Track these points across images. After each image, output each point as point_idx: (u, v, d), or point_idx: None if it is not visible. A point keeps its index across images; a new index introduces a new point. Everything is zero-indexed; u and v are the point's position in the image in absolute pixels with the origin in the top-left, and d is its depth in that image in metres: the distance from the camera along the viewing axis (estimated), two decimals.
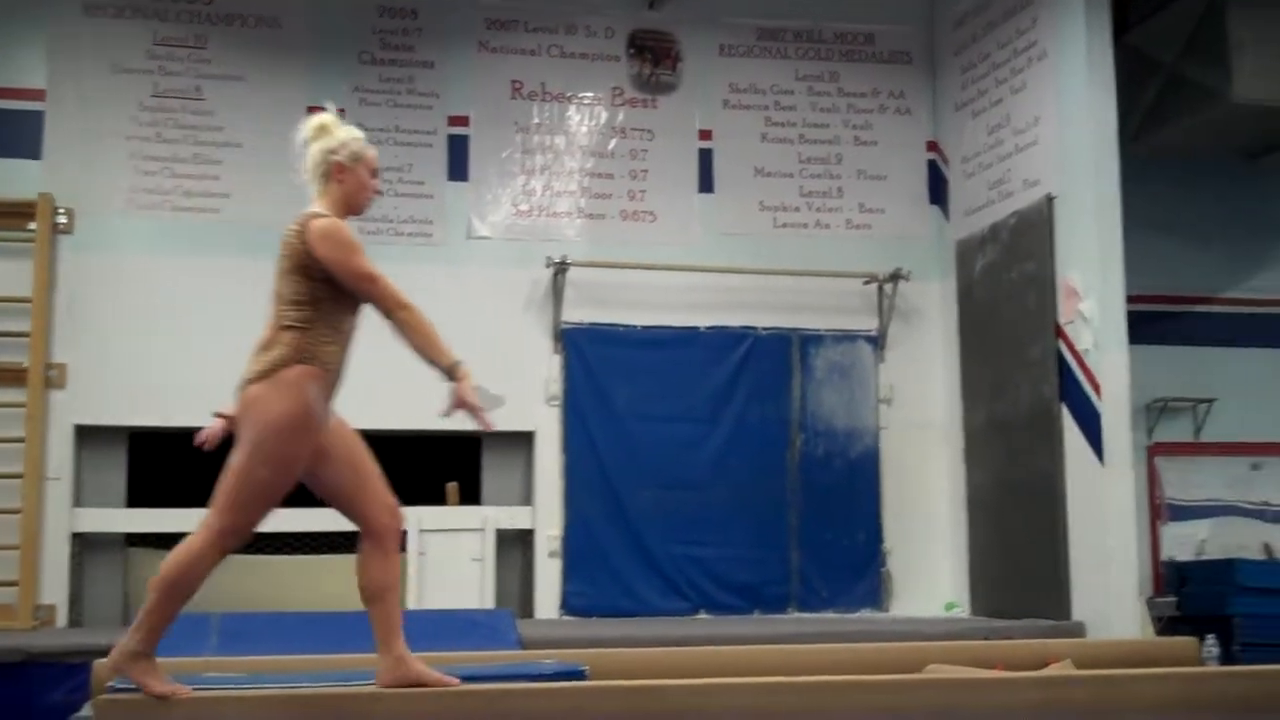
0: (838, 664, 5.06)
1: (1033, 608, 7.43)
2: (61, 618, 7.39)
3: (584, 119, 8.44)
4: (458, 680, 3.95)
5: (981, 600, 8.13)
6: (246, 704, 3.86)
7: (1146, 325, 8.00)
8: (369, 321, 7.99)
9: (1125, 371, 7.22)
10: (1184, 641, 5.98)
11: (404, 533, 7.75)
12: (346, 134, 4.26)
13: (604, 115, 8.46)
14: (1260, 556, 8.58)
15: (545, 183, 8.33)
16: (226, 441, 4.19)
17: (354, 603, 7.34)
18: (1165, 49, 8.11)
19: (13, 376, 7.44)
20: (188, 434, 7.71)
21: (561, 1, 8.46)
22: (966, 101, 8.49)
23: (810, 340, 8.43)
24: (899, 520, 8.44)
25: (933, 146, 8.82)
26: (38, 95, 7.77)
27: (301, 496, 7.72)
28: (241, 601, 7.13)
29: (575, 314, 8.15)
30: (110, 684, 3.97)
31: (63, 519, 7.49)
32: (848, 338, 8.50)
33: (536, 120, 8.35)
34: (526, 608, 7.95)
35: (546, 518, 8.03)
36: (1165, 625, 7.70)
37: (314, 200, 4.23)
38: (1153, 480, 8.86)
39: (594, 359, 8.20)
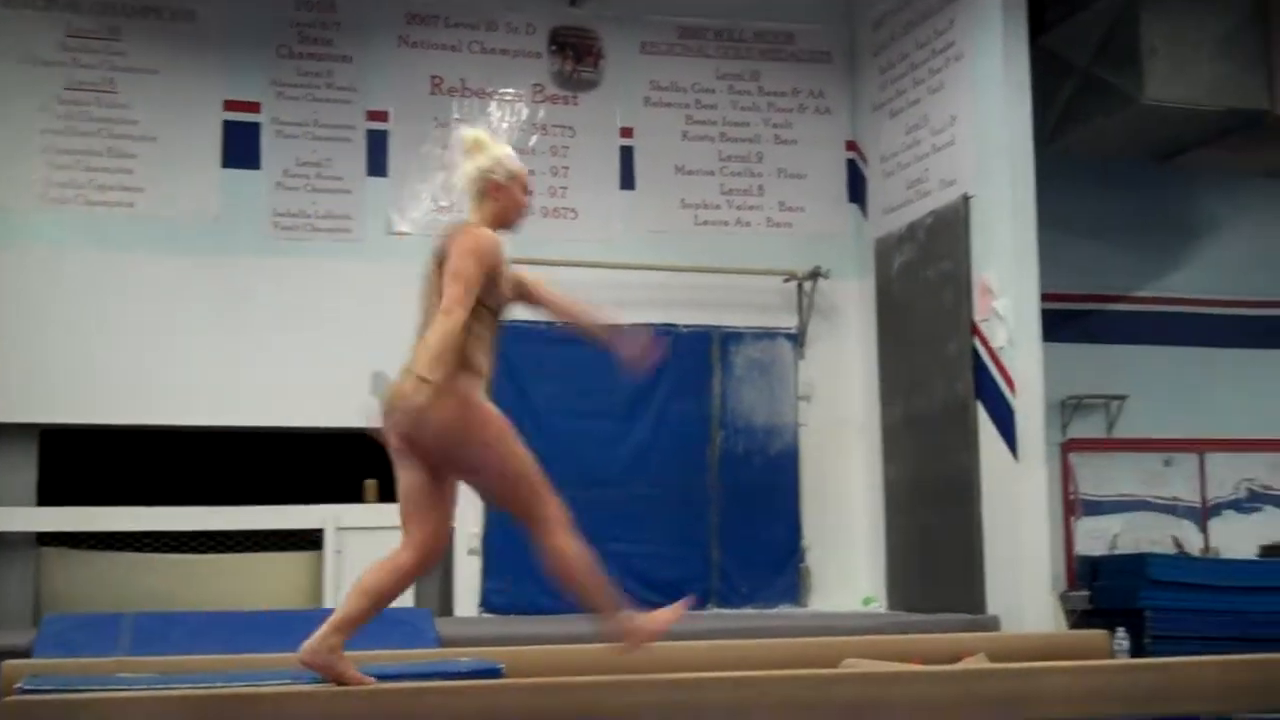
0: (756, 659, 5.08)
1: (948, 602, 7.52)
2: None
3: (505, 115, 8.41)
4: (373, 680, 3.93)
5: (898, 595, 8.21)
6: (158, 704, 3.80)
7: (1060, 323, 8.12)
8: (286, 322, 7.95)
9: (1039, 369, 7.33)
10: (1095, 635, 6.07)
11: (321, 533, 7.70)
12: (500, 151, 4.35)
13: (525, 112, 8.44)
14: (1171, 550, 8.73)
15: None
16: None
17: (267, 602, 7.32)
18: (1079, 52, 8.22)
19: None
20: (100, 431, 7.64)
21: None
22: (885, 101, 8.56)
23: (730, 337, 8.47)
24: (818, 516, 8.50)
25: (852, 146, 8.89)
26: None
27: (220, 496, 7.67)
28: (154, 601, 7.05)
29: None
30: (18, 685, 3.91)
31: None
32: (767, 335, 8.55)
33: (457, 116, 8.30)
34: (446, 606, 7.91)
35: (466, 515, 7.96)
36: (1078, 619, 7.80)
37: (470, 213, 4.35)
38: (1066, 476, 8.98)
39: (514, 356, 8.14)
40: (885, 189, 8.54)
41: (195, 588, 7.34)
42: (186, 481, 7.68)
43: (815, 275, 8.53)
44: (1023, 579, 7.13)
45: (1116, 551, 8.78)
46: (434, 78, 8.31)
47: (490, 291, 4.21)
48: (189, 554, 7.49)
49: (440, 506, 4.28)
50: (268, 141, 8.01)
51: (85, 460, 7.73)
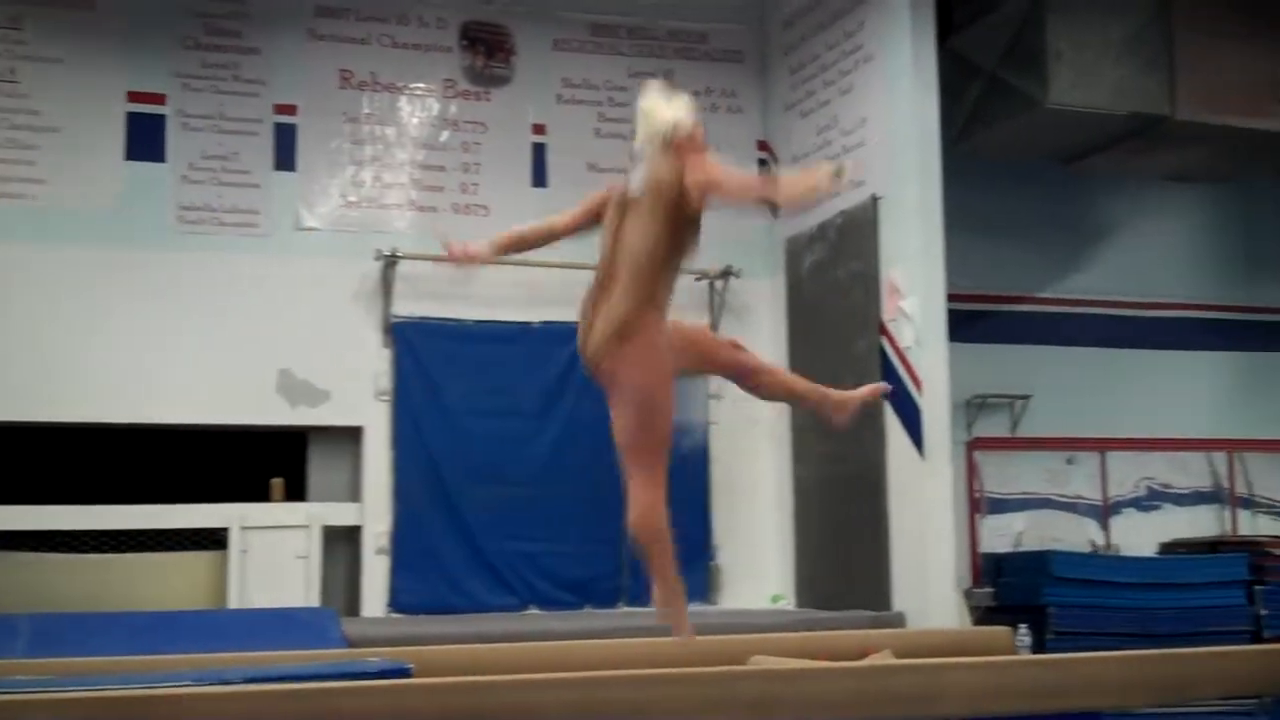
0: (664, 657, 5.08)
1: (856, 599, 7.58)
2: None
3: (415, 110, 8.35)
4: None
5: (807, 592, 8.28)
6: (55, 707, 3.72)
7: (966, 323, 8.23)
8: (191, 318, 7.81)
9: (945, 368, 7.42)
10: (999, 631, 6.14)
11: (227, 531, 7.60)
12: (686, 109, 4.52)
13: (436, 107, 8.38)
14: (1072, 548, 8.86)
15: (375, 174, 8.22)
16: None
17: (170, 602, 7.21)
18: (986, 55, 8.33)
19: None
20: (15, 429, 7.43)
21: None
22: (796, 102, 8.62)
23: None
24: (728, 514, 8.54)
25: (763, 146, 8.93)
26: None
27: (122, 494, 7.52)
28: (54, 602, 6.92)
29: (406, 308, 8.07)
30: None
31: None
32: None
33: (367, 110, 8.23)
34: (353, 606, 7.84)
35: (375, 514, 7.93)
36: (982, 615, 7.92)
37: (648, 163, 4.46)
38: (972, 474, 9.10)
39: (425, 353, 8.13)
40: None
41: (96, 588, 7.21)
42: (86, 480, 7.54)
43: (727, 274, 8.56)
44: (928, 576, 7.22)
45: (1020, 549, 8.92)
46: (343, 71, 8.23)
47: (691, 228, 4.39)
48: (90, 554, 7.36)
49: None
50: (173, 134, 7.88)
51: (4, 459, 7.56)
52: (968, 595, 7.94)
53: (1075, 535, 9.20)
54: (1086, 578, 8.00)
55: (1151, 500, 9.55)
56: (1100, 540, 9.27)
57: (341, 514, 7.91)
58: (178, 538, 7.53)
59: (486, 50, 8.53)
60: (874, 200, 7.71)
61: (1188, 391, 9.71)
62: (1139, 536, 9.15)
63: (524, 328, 8.26)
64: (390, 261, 7.94)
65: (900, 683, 4.34)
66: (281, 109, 8.09)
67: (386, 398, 8.02)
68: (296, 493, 7.95)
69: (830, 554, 8.06)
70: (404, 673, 4.28)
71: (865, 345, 7.70)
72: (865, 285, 7.75)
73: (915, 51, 7.56)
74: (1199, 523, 9.50)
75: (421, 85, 8.38)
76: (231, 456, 7.97)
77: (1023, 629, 7.00)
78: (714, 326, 8.59)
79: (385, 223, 8.17)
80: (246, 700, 3.76)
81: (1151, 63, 8.15)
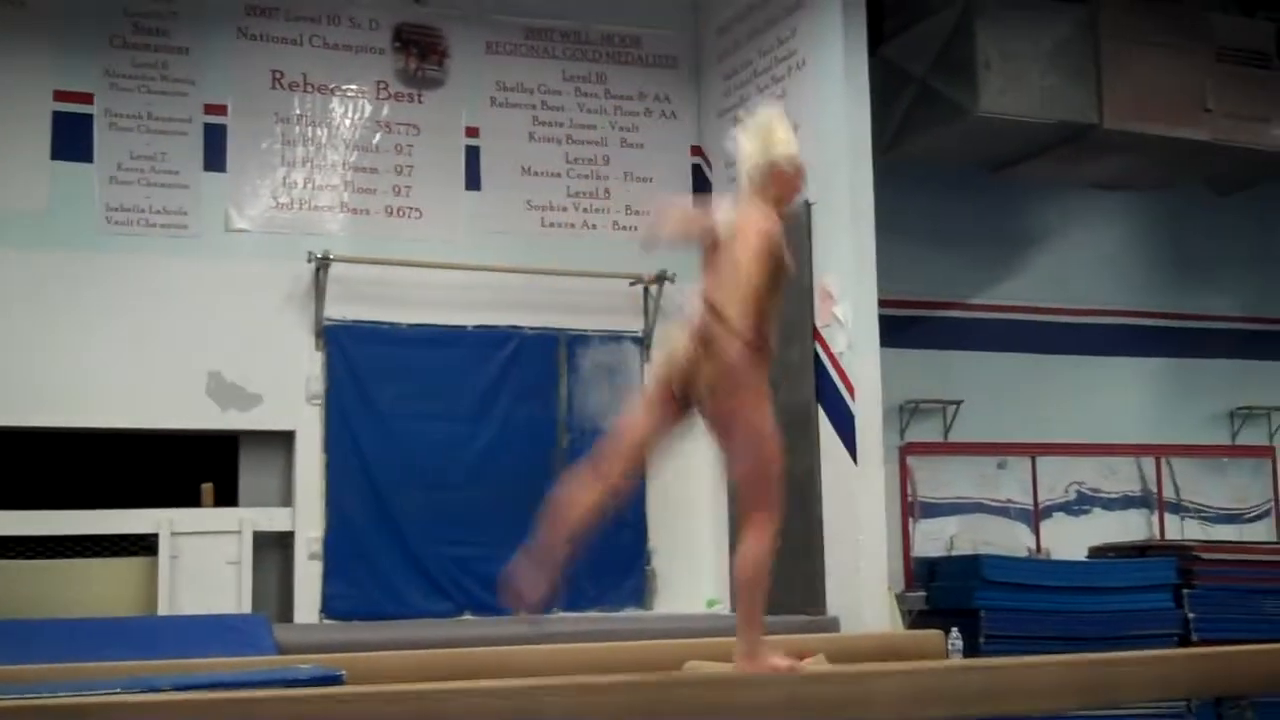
0: (600, 663, 5.09)
1: (790, 603, 7.59)
2: None
3: (347, 112, 8.28)
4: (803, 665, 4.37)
5: None
6: None
7: (898, 329, 8.29)
8: (118, 320, 7.71)
9: (877, 373, 7.47)
10: (930, 635, 6.20)
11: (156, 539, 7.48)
12: (790, 140, 4.49)
13: (368, 109, 8.32)
14: (1004, 552, 8.93)
15: (307, 176, 8.15)
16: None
17: (99, 609, 7.10)
18: (917, 63, 8.41)
19: None
20: None
21: None
22: (729, 107, 8.63)
23: (577, 340, 8.47)
24: (663, 519, 8.54)
25: (697, 151, 8.95)
26: None
27: (49, 499, 7.40)
28: None
29: (338, 311, 8.00)
30: None
31: None
32: (614, 338, 8.56)
33: (298, 111, 8.16)
34: (286, 612, 7.76)
35: (307, 519, 7.86)
36: (915, 619, 7.97)
37: (746, 192, 4.47)
38: (904, 479, 9.17)
39: (357, 357, 8.06)
40: (731, 194, 8.60)
41: (24, 594, 7.07)
42: (12, 485, 7.40)
43: (661, 279, 8.56)
44: (862, 580, 7.26)
45: (953, 553, 8.99)
46: (275, 72, 8.15)
47: (778, 273, 4.31)
48: (17, 559, 7.23)
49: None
50: (100, 134, 7.76)
51: None
52: (900, 599, 7.98)
53: (1007, 539, 9.30)
54: (1017, 581, 8.06)
55: (1081, 504, 9.67)
56: (1031, 544, 9.36)
57: (273, 519, 7.82)
58: (106, 543, 7.41)
59: (419, 53, 8.48)
60: (807, 206, 7.75)
61: (1117, 397, 9.85)
62: (1069, 540, 9.25)
63: (457, 331, 8.22)
64: (322, 264, 7.87)
65: (833, 689, 4.37)
66: (211, 109, 7.99)
67: (318, 402, 7.95)
68: (227, 498, 7.86)
69: None
70: (336, 680, 4.25)
71: (799, 351, 7.73)
72: (798, 291, 7.77)
73: (847, 59, 7.60)
74: (1128, 527, 9.63)
75: (354, 87, 8.32)
76: (161, 461, 7.86)
77: (955, 632, 7.05)
78: (649, 331, 8.61)
79: (317, 225, 8.10)
80: (176, 708, 3.71)
81: (1079, 72, 8.26)
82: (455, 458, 8.12)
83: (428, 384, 8.13)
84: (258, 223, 8.01)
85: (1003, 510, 9.48)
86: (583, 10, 8.82)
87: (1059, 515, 9.58)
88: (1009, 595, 7.97)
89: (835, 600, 7.39)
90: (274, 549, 7.88)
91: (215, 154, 7.97)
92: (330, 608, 7.77)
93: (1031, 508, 9.50)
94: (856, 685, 4.39)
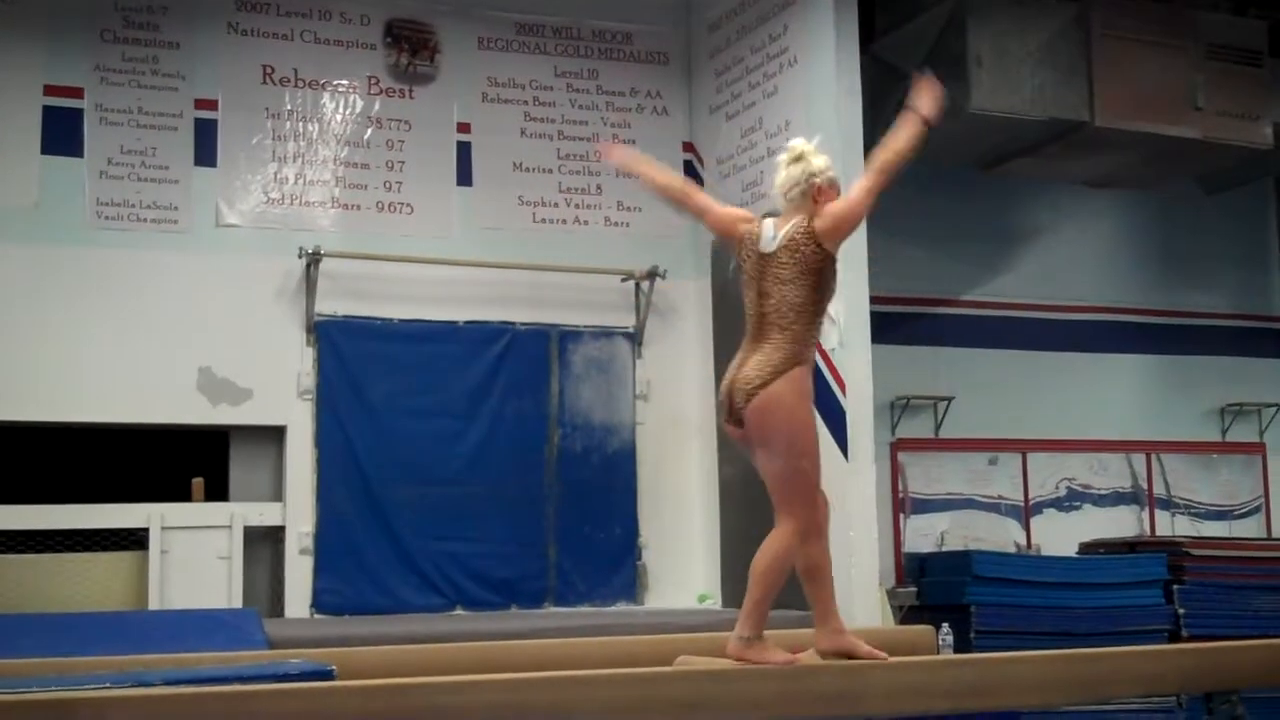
0: (590, 658, 5.08)
1: (782, 599, 7.55)
2: None
3: (339, 107, 8.26)
4: (884, 655, 4.41)
5: (733, 591, 8.28)
6: None
7: (890, 326, 8.31)
8: (109, 315, 7.70)
9: (869, 370, 7.47)
10: (922, 630, 6.20)
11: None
12: (824, 161, 4.70)
13: (359, 104, 8.30)
14: (994, 548, 8.96)
15: (298, 171, 8.13)
16: None
17: (90, 603, 7.10)
18: (908, 60, 8.40)
19: None
20: None
21: None
22: (721, 104, 8.64)
23: (568, 336, 8.47)
24: (655, 514, 8.55)
25: (689, 147, 8.95)
26: None
27: (40, 494, 7.38)
28: None
29: (329, 306, 7.99)
30: None
31: None
32: (605, 334, 8.56)
33: (289, 107, 8.14)
34: (277, 607, 7.76)
35: (298, 514, 7.85)
36: (906, 614, 7.99)
37: (787, 214, 4.67)
38: (895, 475, 9.19)
39: (349, 352, 8.06)
40: (722, 191, 8.60)
41: (15, 589, 7.08)
42: (2, 480, 7.39)
43: (653, 275, 8.57)
44: (853, 576, 7.25)
45: (943, 549, 9.00)
46: (265, 67, 8.14)
47: (830, 272, 4.55)
48: (8, 554, 7.22)
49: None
50: (91, 128, 7.74)
51: None
52: (891, 595, 8.00)
53: (998, 535, 9.32)
54: (1008, 577, 8.09)
55: (1072, 500, 9.69)
56: (1022, 540, 9.38)
57: (264, 514, 7.81)
58: (97, 538, 7.40)
59: (411, 48, 8.47)
60: None
61: (1107, 393, 9.87)
62: (1060, 536, 9.28)
63: (449, 327, 8.22)
64: (313, 259, 7.86)
65: (825, 683, 4.38)
66: (202, 104, 7.98)
67: (310, 397, 7.94)
68: (218, 492, 7.85)
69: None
70: (326, 675, 4.25)
71: None
72: None
73: (839, 56, 7.61)
74: (1118, 523, 9.65)
75: (345, 82, 8.30)
76: (152, 456, 7.85)
77: (945, 628, 7.07)
78: (640, 327, 8.62)
79: (308, 220, 8.09)
80: (166, 702, 3.72)
81: (1071, 69, 8.27)
82: (446, 453, 8.11)
83: (419, 379, 8.12)
84: (248, 218, 8.00)
85: (993, 506, 9.50)
86: (574, 6, 8.81)
87: (1049, 511, 9.60)
88: (1000, 591, 8.00)
89: None
90: (265, 544, 7.88)
91: (206, 149, 7.95)
92: (321, 603, 7.76)
93: (1022, 504, 9.52)
94: (848, 680, 4.40)
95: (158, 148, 7.84)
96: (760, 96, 8.20)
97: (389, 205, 8.28)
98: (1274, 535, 10.03)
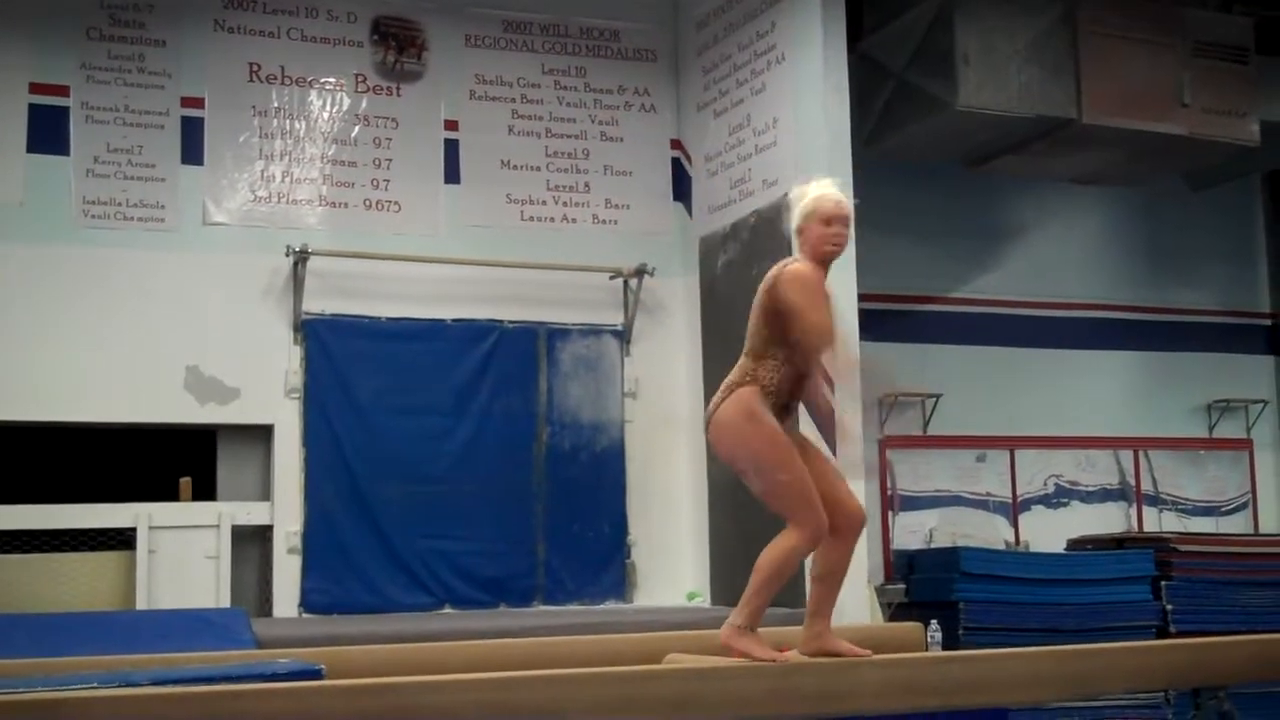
0: (580, 656, 5.08)
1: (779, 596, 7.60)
2: None
3: (326, 105, 8.25)
4: (869, 652, 4.44)
5: (722, 590, 8.29)
6: None
7: (877, 322, 8.29)
8: (96, 313, 7.66)
9: (856, 366, 7.45)
10: (910, 627, 6.22)
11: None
12: (802, 201, 4.74)
13: (346, 102, 8.29)
14: (983, 544, 8.97)
15: (285, 169, 8.11)
16: None
17: (77, 603, 7.07)
18: (896, 58, 8.41)
19: None
20: None
21: None
22: (709, 101, 8.64)
23: (557, 334, 8.46)
24: (643, 512, 8.55)
25: (677, 144, 8.95)
26: None
27: (27, 493, 7.36)
28: None
29: (317, 304, 7.98)
30: None
31: None
32: (594, 332, 8.56)
33: (276, 104, 8.12)
34: (265, 606, 7.75)
35: (286, 513, 7.83)
36: (895, 611, 7.99)
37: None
38: (884, 472, 9.19)
39: (336, 351, 8.04)
40: (709, 188, 8.62)
41: (1, 589, 7.05)
42: None
43: (641, 273, 8.57)
44: None
45: (932, 546, 9.01)
46: (252, 64, 8.11)
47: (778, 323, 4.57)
48: None
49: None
50: (77, 126, 7.72)
51: None
52: (880, 591, 8.01)
53: (986, 532, 9.33)
54: (996, 574, 8.10)
55: (1060, 497, 9.70)
56: (1010, 537, 9.39)
57: (252, 513, 7.80)
58: (84, 538, 7.38)
59: (398, 45, 8.45)
60: (786, 199, 7.71)
61: (1094, 390, 9.89)
62: (1048, 533, 9.29)
63: (437, 325, 8.21)
64: (300, 257, 7.85)
65: (814, 681, 4.38)
66: (188, 102, 7.95)
67: (297, 395, 7.93)
68: (206, 492, 7.83)
69: (746, 551, 8.01)
70: (315, 674, 4.23)
71: None
72: None
73: (826, 53, 7.60)
74: (1106, 519, 9.67)
75: (332, 80, 8.28)
76: (139, 455, 7.83)
77: (934, 625, 7.08)
78: (628, 325, 8.61)
79: (295, 218, 8.07)
80: (153, 703, 3.70)
81: (1058, 66, 8.28)
82: (435, 451, 8.10)
83: (407, 378, 8.11)
84: (235, 216, 7.98)
85: (982, 503, 9.51)
86: (562, 3, 8.80)
87: (1037, 508, 9.61)
88: (988, 588, 8.01)
89: None
90: (252, 543, 7.86)
91: (192, 147, 7.93)
92: (309, 602, 7.75)
93: (1010, 500, 9.53)
94: (837, 677, 4.40)
95: (144, 146, 7.82)
96: (748, 94, 8.20)
97: (376, 203, 8.27)
98: (1261, 531, 10.05)
